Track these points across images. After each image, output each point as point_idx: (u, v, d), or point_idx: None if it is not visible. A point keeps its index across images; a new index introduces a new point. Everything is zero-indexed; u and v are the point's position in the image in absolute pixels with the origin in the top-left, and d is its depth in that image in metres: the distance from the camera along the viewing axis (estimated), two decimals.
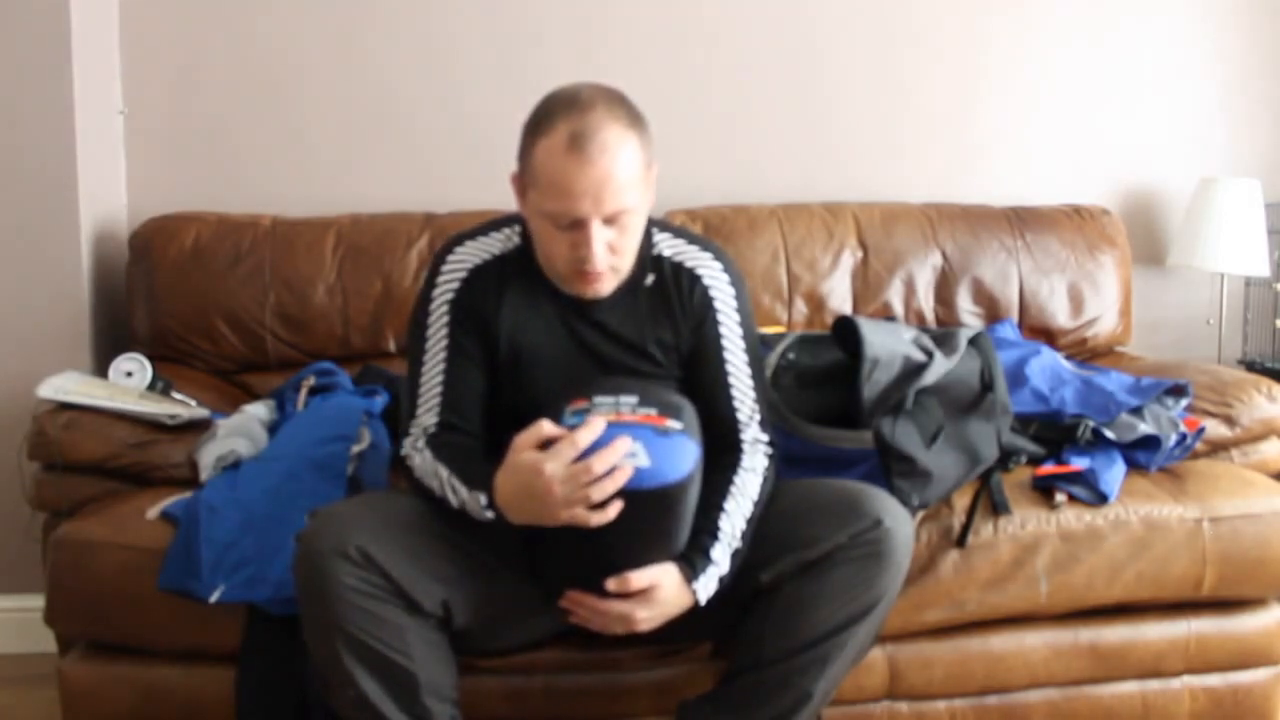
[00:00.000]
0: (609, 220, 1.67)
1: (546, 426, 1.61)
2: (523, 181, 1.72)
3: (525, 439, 1.61)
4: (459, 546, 1.74)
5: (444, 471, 1.72)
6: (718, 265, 1.86)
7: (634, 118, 1.69)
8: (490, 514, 1.66)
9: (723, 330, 1.84)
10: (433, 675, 1.69)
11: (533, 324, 1.81)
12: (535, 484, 1.58)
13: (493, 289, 1.80)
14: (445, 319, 1.80)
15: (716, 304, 1.84)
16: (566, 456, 1.57)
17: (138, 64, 2.82)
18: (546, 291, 1.81)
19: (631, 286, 1.81)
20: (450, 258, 1.82)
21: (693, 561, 1.70)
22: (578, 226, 1.66)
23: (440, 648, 1.73)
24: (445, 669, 1.73)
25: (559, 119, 1.65)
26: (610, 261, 1.70)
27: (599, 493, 1.56)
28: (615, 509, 1.58)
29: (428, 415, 1.79)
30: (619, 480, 1.57)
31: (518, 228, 1.84)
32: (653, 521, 1.65)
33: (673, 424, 1.62)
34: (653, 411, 1.62)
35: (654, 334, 1.83)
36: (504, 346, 1.80)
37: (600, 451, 1.56)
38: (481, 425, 1.82)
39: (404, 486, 1.82)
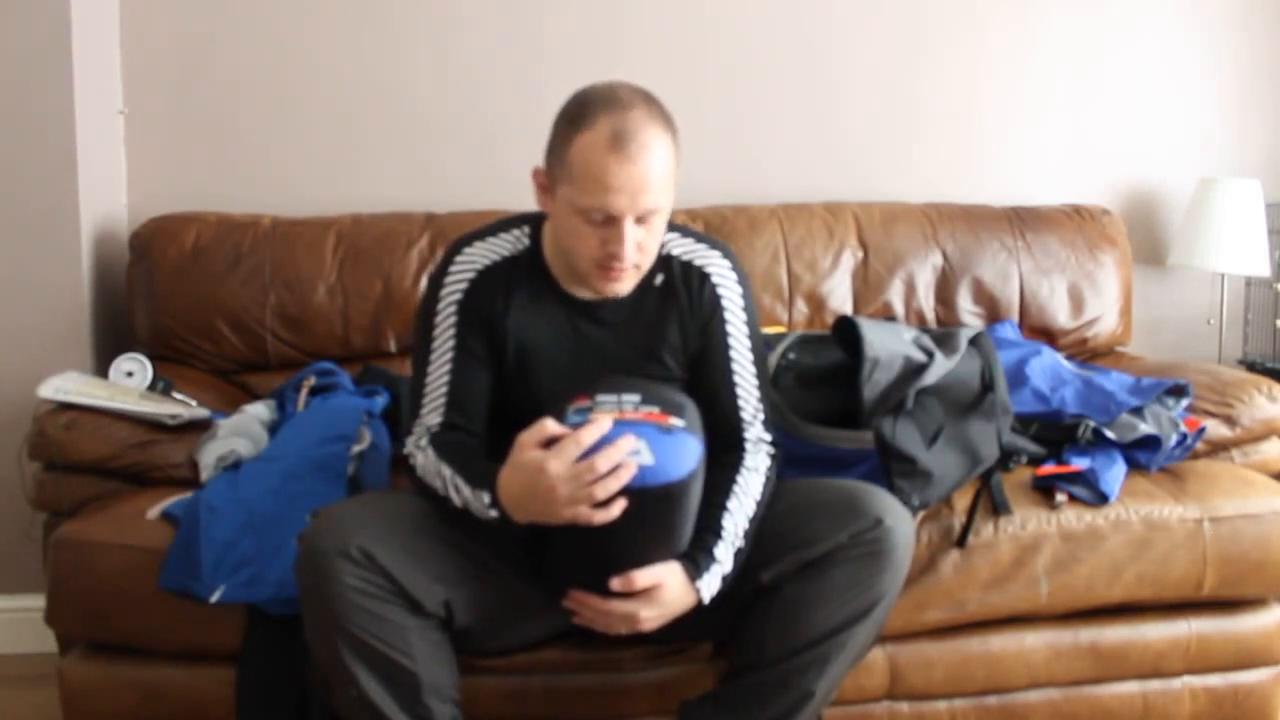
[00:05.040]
0: (640, 219, 1.67)
1: (550, 425, 1.60)
2: (552, 176, 1.71)
3: (529, 437, 1.61)
4: (460, 547, 1.74)
5: (447, 471, 1.71)
6: (726, 264, 1.86)
7: (668, 120, 1.70)
8: (494, 513, 1.66)
9: (729, 329, 1.85)
10: (434, 675, 1.69)
11: (540, 326, 1.81)
12: (539, 482, 1.58)
13: (500, 291, 1.80)
14: (452, 319, 1.79)
15: (724, 303, 1.84)
16: (570, 455, 1.56)
17: (138, 64, 2.81)
18: (554, 293, 1.81)
19: (641, 287, 1.81)
20: (459, 258, 1.82)
21: (696, 560, 1.70)
22: (610, 223, 1.66)
23: (442, 648, 1.73)
24: (446, 669, 1.73)
25: (600, 115, 1.64)
26: (636, 259, 1.70)
27: (603, 491, 1.56)
28: (619, 507, 1.58)
29: (432, 415, 1.79)
30: (623, 478, 1.57)
31: (526, 229, 1.84)
32: (657, 519, 1.64)
33: (676, 421, 1.62)
34: (655, 409, 1.62)
35: (662, 336, 1.83)
36: (511, 348, 1.80)
37: (604, 449, 1.56)
38: (484, 426, 1.82)
39: (406, 486, 1.82)
